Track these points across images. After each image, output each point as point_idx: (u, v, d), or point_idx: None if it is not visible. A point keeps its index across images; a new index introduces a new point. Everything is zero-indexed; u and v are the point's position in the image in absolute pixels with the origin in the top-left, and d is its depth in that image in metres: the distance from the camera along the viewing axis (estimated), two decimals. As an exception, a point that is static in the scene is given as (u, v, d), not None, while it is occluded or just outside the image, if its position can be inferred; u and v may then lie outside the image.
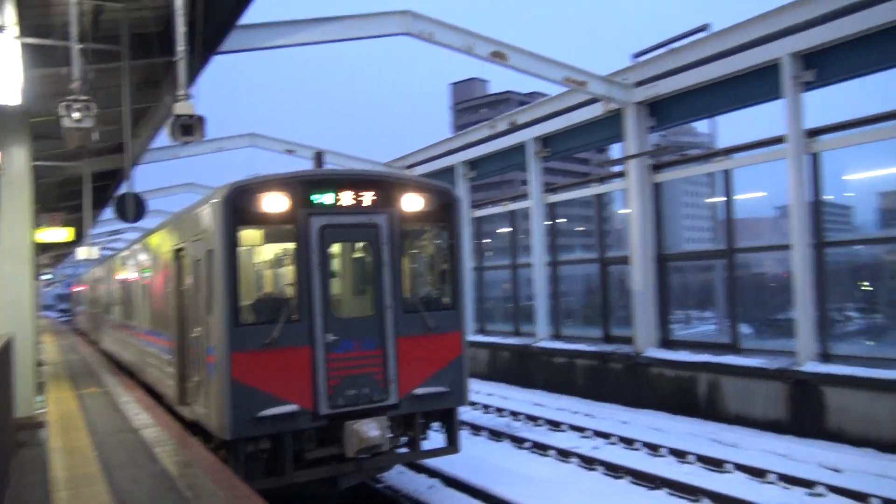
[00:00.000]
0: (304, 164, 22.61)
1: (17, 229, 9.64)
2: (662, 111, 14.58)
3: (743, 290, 13.75)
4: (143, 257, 13.21)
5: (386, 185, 8.68)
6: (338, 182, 8.49)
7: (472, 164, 20.64)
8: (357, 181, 8.60)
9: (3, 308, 9.37)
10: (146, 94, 12.85)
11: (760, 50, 12.21)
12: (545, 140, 17.71)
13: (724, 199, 13.54)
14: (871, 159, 12.52)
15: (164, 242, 11.19)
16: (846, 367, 10.75)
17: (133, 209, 7.43)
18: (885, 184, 13.33)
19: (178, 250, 10.09)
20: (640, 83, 14.62)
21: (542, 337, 17.11)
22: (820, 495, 8.37)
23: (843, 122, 11.75)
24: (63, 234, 18.11)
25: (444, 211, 9.01)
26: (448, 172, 20.95)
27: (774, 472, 9.05)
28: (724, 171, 13.57)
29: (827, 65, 11.52)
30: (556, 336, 17.39)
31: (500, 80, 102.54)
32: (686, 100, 13.98)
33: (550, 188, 18.16)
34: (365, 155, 23.87)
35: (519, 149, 18.35)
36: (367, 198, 8.47)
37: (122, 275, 16.77)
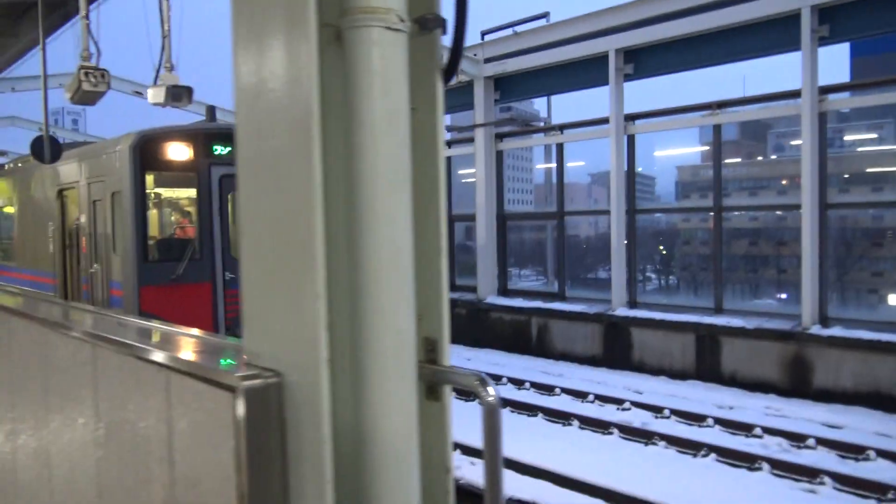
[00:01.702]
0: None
1: None
2: (507, 87, 16.35)
3: (568, 248, 16.02)
4: (8, 196, 13.05)
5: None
6: (237, 135, 9.35)
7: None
8: (254, 136, 9.50)
9: None
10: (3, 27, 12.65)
11: (592, 43, 14.22)
12: (398, 104, 18.94)
13: (556, 167, 15.65)
14: (672, 140, 15.20)
15: (38, 183, 11.32)
16: (647, 311, 13.20)
17: (50, 151, 7.84)
18: (681, 160, 16.15)
19: (62, 191, 10.40)
20: (488, 60, 16.27)
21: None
22: (627, 409, 10.59)
23: (653, 110, 14.11)
24: None
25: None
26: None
27: (593, 394, 11.22)
28: (557, 144, 15.64)
29: (643, 60, 13.75)
30: (403, 286, 19.00)
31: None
32: (528, 79, 15.82)
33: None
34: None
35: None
36: (263, 151, 9.41)
37: None
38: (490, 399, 1.67)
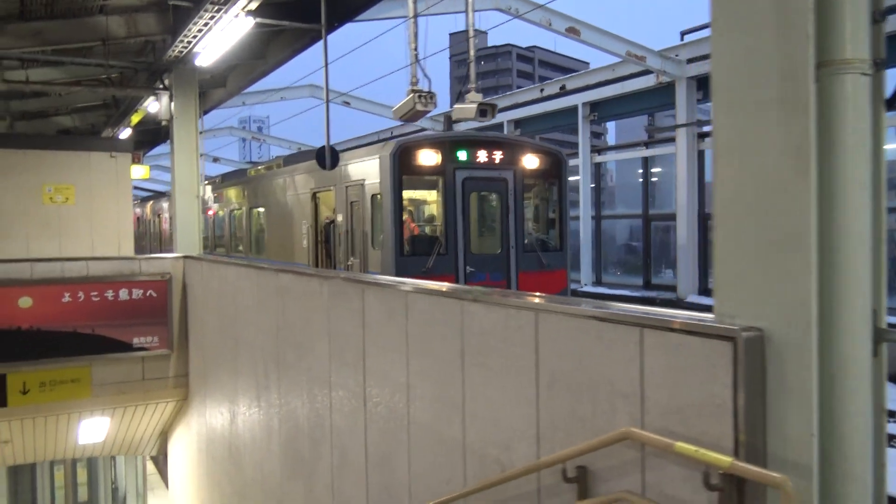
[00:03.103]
0: (358, 115, 24.24)
1: (186, 167, 11.30)
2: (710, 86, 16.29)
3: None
4: (258, 197, 14.92)
5: (512, 147, 10.46)
6: (476, 142, 10.26)
7: (518, 123, 22.30)
8: (490, 142, 10.37)
9: (178, 235, 11.13)
10: (255, 50, 14.46)
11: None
12: (593, 105, 19.40)
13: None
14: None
15: (290, 186, 12.90)
16: None
17: (330, 159, 9.22)
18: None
19: (316, 193, 11.83)
20: (691, 60, 16.31)
21: (585, 283, 19.09)
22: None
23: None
24: (141, 171, 19.67)
25: (555, 169, 10.82)
26: (493, 129, 22.61)
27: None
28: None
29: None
30: (598, 282, 19.40)
31: (497, 32, 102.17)
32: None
33: (596, 149, 19.94)
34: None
35: (565, 112, 20.05)
36: (498, 156, 10.26)
37: (230, 212, 18.20)
38: (940, 352, 2.20)
